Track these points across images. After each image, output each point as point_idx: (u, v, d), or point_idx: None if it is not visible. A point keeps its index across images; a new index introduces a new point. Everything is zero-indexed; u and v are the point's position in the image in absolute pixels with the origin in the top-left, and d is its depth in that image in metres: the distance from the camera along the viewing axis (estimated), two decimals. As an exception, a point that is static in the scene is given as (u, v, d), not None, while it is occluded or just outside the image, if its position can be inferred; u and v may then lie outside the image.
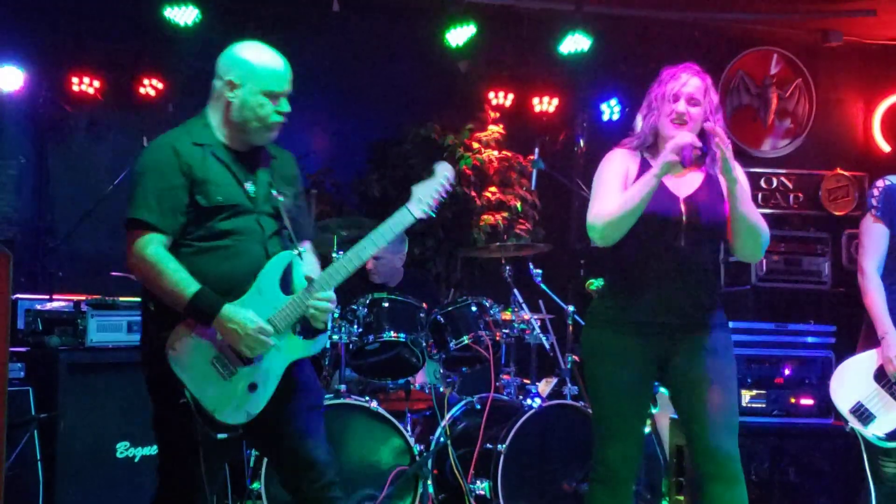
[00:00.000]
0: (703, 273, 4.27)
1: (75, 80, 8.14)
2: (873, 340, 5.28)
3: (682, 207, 4.19)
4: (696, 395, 4.23)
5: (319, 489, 4.03)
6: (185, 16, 7.62)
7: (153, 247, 3.82)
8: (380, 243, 4.10)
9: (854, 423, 5.32)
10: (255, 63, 3.98)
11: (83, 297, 5.74)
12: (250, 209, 3.99)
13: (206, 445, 3.85)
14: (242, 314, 3.80)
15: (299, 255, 4.09)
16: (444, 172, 4.26)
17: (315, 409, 4.13)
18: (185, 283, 3.78)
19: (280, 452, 4.13)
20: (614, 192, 4.19)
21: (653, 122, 4.27)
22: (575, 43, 8.36)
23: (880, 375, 5.30)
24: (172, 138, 3.97)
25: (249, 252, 3.96)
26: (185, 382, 3.78)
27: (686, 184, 4.26)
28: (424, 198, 4.19)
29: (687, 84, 4.20)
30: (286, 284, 4.00)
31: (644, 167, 4.24)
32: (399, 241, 6.97)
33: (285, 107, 4.04)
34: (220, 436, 3.84)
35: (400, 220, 4.12)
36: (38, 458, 4.82)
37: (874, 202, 5.39)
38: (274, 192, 4.06)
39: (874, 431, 5.25)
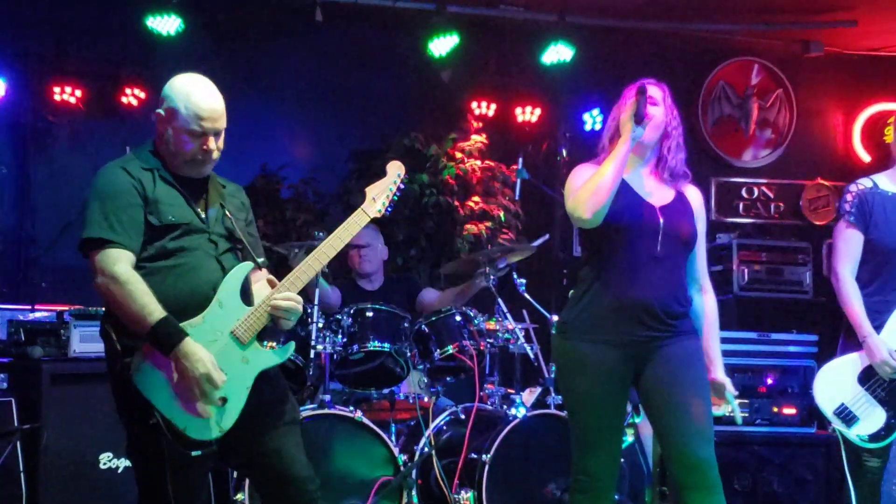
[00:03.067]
0: (679, 280, 4.32)
1: (57, 89, 8.11)
2: (854, 343, 5.30)
3: (660, 216, 4.24)
4: (671, 402, 4.24)
5: (304, 497, 4.04)
6: (167, 25, 7.59)
7: (123, 264, 3.79)
8: (338, 246, 4.14)
9: (838, 425, 5.35)
10: (182, 102, 3.95)
11: (66, 308, 5.72)
12: (202, 228, 4.01)
13: (183, 461, 3.83)
14: (197, 356, 3.76)
15: (258, 266, 4.11)
16: (396, 171, 4.37)
17: (290, 423, 4.11)
18: (150, 307, 3.74)
19: (258, 470, 4.15)
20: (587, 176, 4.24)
21: (612, 133, 4.34)
22: (557, 53, 8.40)
23: (864, 378, 5.32)
24: (122, 163, 4.00)
25: (203, 267, 3.96)
26: (153, 403, 3.76)
27: (661, 196, 4.32)
28: (379, 197, 4.29)
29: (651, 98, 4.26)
30: (247, 295, 4.01)
31: None
32: (373, 230, 6.99)
33: (213, 145, 3.99)
34: (195, 453, 3.81)
35: (356, 221, 4.19)
36: (21, 469, 4.80)
37: (847, 207, 5.42)
38: (227, 214, 4.08)
39: (858, 433, 5.30)
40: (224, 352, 3.87)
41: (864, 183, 5.46)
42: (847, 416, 5.31)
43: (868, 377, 5.33)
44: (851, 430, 5.32)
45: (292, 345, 4.10)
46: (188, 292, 3.89)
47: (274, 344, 4.08)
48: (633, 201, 4.27)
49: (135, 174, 3.93)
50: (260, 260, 4.18)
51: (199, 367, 3.73)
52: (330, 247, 4.12)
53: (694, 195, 4.45)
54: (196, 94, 3.95)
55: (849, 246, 5.43)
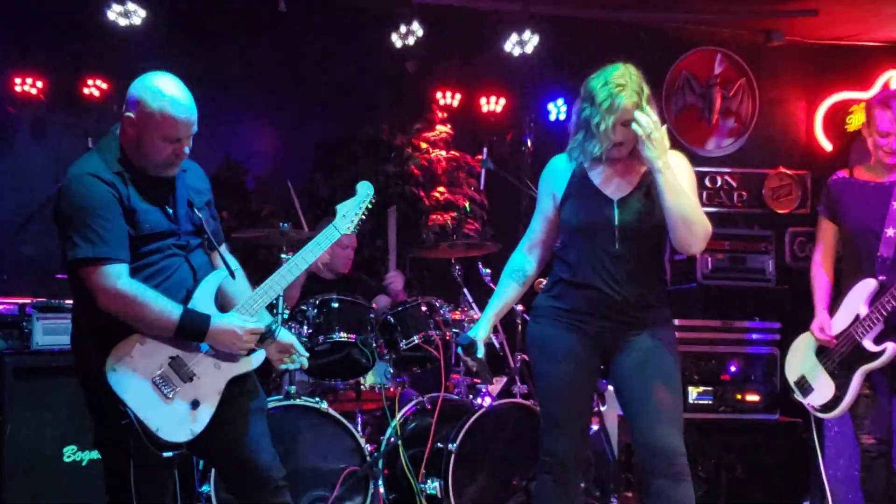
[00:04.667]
0: (642, 273, 4.32)
1: (18, 80, 8.07)
2: None
3: (616, 212, 4.26)
4: (639, 392, 4.29)
5: (265, 493, 4.08)
6: (130, 14, 7.54)
7: (123, 279, 3.81)
8: (309, 259, 4.23)
9: (797, 394, 5.66)
10: (156, 107, 3.87)
11: (28, 300, 5.70)
12: (173, 231, 4.02)
13: (153, 460, 3.85)
14: (230, 322, 3.91)
15: (231, 274, 4.18)
16: (366, 191, 4.43)
17: (256, 412, 4.14)
18: (167, 308, 3.82)
19: (223, 460, 4.17)
20: None
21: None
22: (521, 43, 8.41)
23: (819, 352, 5.56)
24: (91, 168, 3.89)
25: (173, 267, 4.00)
26: (126, 403, 3.77)
27: (621, 185, 4.33)
28: (349, 215, 4.38)
29: (621, 110, 4.21)
30: (225, 301, 4.11)
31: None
32: (348, 237, 7.00)
33: (186, 149, 3.99)
34: (166, 454, 3.84)
35: (327, 237, 4.27)
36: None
37: (821, 198, 5.69)
38: (194, 211, 4.10)
39: (811, 402, 5.54)
40: (198, 358, 3.93)
41: (840, 175, 5.61)
42: (804, 385, 5.61)
43: (822, 351, 5.52)
44: (806, 400, 5.62)
45: (262, 353, 4.13)
46: (161, 292, 3.89)
47: None
48: (592, 200, 4.33)
49: (108, 179, 3.86)
50: (220, 247, 4.25)
51: (237, 331, 3.90)
52: (302, 260, 4.20)
53: (674, 162, 4.33)
54: (172, 101, 3.89)
55: (820, 235, 5.70)
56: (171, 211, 4.02)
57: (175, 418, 3.85)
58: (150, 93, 3.89)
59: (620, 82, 4.22)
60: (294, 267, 4.17)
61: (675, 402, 4.30)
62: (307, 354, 4.31)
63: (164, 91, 3.90)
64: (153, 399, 3.82)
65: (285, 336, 4.23)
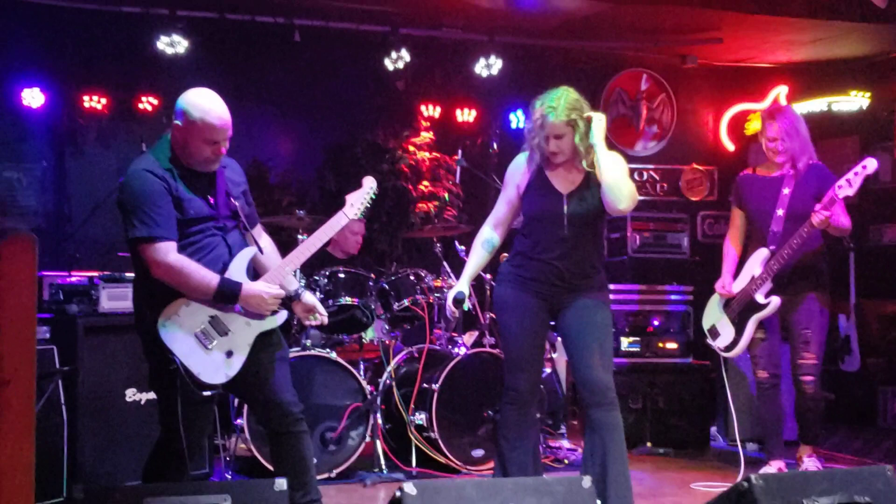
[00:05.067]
0: (584, 251, 4.35)
1: (86, 98, 8.01)
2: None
3: (565, 204, 4.27)
4: (579, 341, 4.33)
5: (287, 424, 4.07)
6: (175, 45, 7.56)
7: (172, 255, 3.81)
8: (323, 239, 4.19)
9: (708, 339, 5.76)
10: (198, 116, 3.87)
11: (96, 273, 5.68)
12: (214, 216, 4.00)
13: (195, 397, 3.87)
14: (257, 287, 3.91)
15: (260, 249, 4.17)
16: (370, 184, 4.40)
17: (280, 360, 4.13)
18: (208, 277, 3.83)
19: (255, 397, 4.16)
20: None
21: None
22: (488, 66, 8.41)
23: (725, 305, 5.67)
24: (147, 165, 3.90)
25: (213, 245, 3.98)
26: (174, 352, 3.80)
27: (570, 182, 4.33)
28: (356, 204, 4.32)
29: (549, 126, 4.23)
30: (251, 273, 4.08)
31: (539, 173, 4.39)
32: (358, 223, 6.98)
33: (223, 149, 3.98)
34: (206, 393, 3.87)
35: (337, 222, 4.24)
36: (63, 402, 4.77)
37: (732, 192, 5.89)
38: (231, 200, 4.07)
39: (718, 345, 5.65)
40: (232, 317, 3.93)
41: (745, 173, 5.76)
42: (714, 332, 5.75)
43: (727, 305, 5.62)
44: (715, 343, 5.75)
45: (285, 313, 4.13)
46: (203, 264, 3.90)
47: None
48: (546, 195, 4.34)
49: (159, 174, 3.87)
50: (256, 228, 4.26)
51: (263, 296, 3.90)
52: (318, 239, 4.17)
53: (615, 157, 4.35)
54: (212, 111, 3.89)
55: (731, 219, 5.86)
56: (211, 200, 4.00)
57: (213, 365, 3.86)
58: (193, 105, 3.89)
59: (552, 105, 4.24)
60: (311, 245, 4.15)
61: (607, 348, 4.34)
62: (326, 313, 4.32)
63: (204, 104, 3.90)
64: (196, 349, 3.83)
65: (309, 298, 4.24)
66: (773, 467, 5.57)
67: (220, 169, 4.07)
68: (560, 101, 4.24)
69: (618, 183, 4.19)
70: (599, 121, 4.28)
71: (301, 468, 4.06)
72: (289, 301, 4.18)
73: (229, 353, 3.91)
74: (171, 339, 3.82)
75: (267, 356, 4.06)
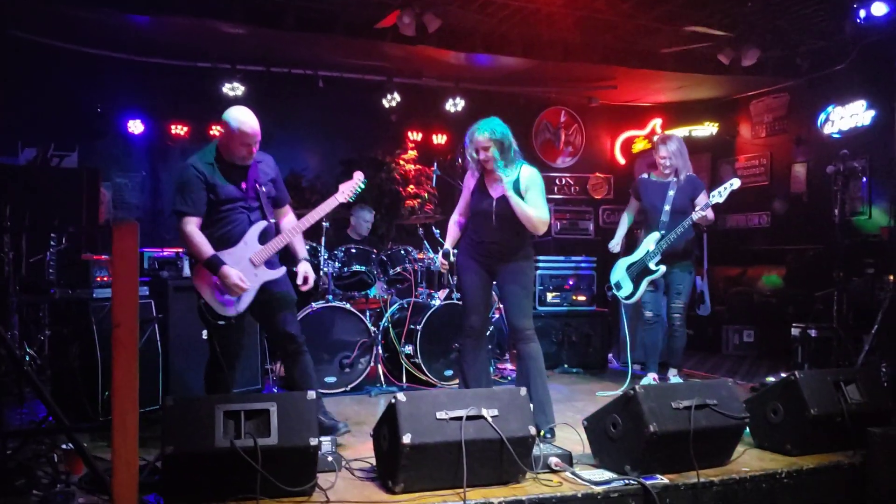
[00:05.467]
0: (508, 236, 4.23)
1: (173, 126, 7.99)
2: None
3: (494, 205, 4.20)
4: (505, 296, 4.28)
5: (293, 349, 4.03)
6: (235, 89, 7.51)
7: (190, 226, 3.81)
8: (320, 215, 4.09)
9: (614, 291, 5.73)
10: (235, 126, 3.83)
11: (181, 250, 5.62)
12: (241, 198, 3.93)
13: (216, 325, 3.88)
14: (229, 275, 3.79)
15: (275, 225, 4.08)
16: (359, 177, 4.23)
17: (289, 303, 4.06)
18: (205, 249, 3.80)
19: (268, 328, 4.16)
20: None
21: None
22: (455, 104, 8.37)
23: (627, 267, 5.65)
24: (194, 161, 3.90)
25: (239, 221, 3.93)
26: (200, 293, 3.86)
27: (496, 189, 4.23)
28: (346, 191, 4.16)
29: (476, 141, 4.18)
30: (263, 239, 3.98)
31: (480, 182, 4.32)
32: (367, 211, 6.94)
33: (254, 150, 3.91)
34: (220, 322, 3.86)
35: (330, 203, 4.09)
36: (158, 340, 4.72)
37: (632, 187, 5.80)
38: (258, 186, 3.99)
39: (621, 295, 5.66)
40: (245, 269, 3.88)
41: (643, 176, 5.73)
42: (619, 286, 5.67)
43: (629, 267, 5.60)
44: (619, 294, 5.66)
45: (283, 267, 4.05)
46: (230, 235, 3.90)
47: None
48: (483, 197, 4.27)
49: (200, 168, 3.85)
50: (285, 206, 4.17)
51: (231, 280, 3.79)
52: (316, 214, 4.07)
53: (523, 174, 4.24)
54: (246, 122, 3.85)
55: (629, 205, 5.79)
56: (243, 186, 3.94)
57: (227, 304, 3.86)
58: (233, 118, 3.86)
59: (479, 126, 4.19)
60: (310, 218, 4.06)
61: (525, 301, 4.25)
62: (312, 283, 4.13)
63: (240, 116, 3.86)
64: (217, 293, 3.85)
65: (301, 268, 4.11)
66: (650, 378, 5.60)
67: (255, 163, 4.00)
68: (485, 124, 4.20)
69: (530, 222, 4.12)
70: (509, 179, 4.16)
71: (305, 379, 4.01)
72: (294, 262, 4.09)
73: (239, 297, 3.87)
74: (197, 284, 3.87)
75: (277, 300, 4.00)
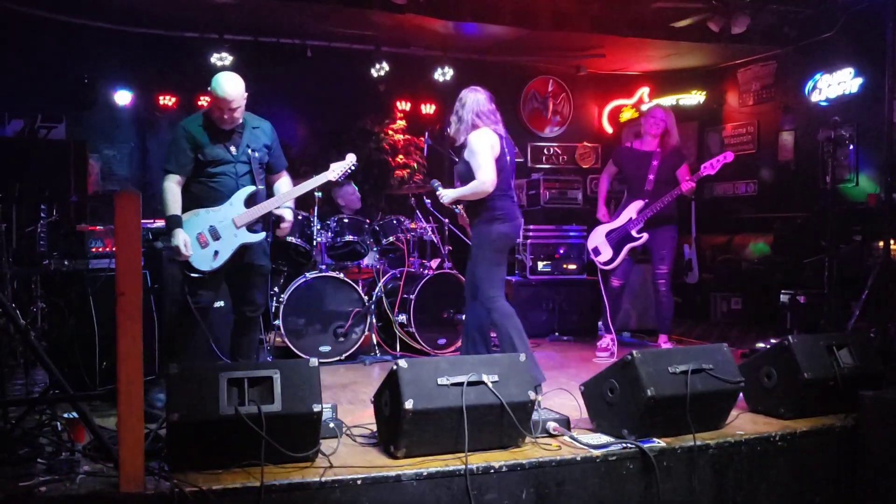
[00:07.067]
0: (479, 206, 4.36)
1: (161, 97, 7.87)
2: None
3: (455, 170, 4.44)
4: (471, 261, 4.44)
5: (250, 315, 4.18)
6: (223, 59, 7.41)
7: (168, 182, 3.97)
8: (307, 188, 4.24)
9: (592, 256, 5.80)
10: (216, 90, 3.96)
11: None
12: (230, 160, 4.03)
13: (191, 276, 3.98)
14: (178, 237, 3.90)
15: (267, 190, 4.18)
16: (351, 159, 4.39)
17: (259, 274, 4.18)
18: (171, 207, 3.95)
19: (237, 291, 4.21)
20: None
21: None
22: (443, 74, 8.30)
23: (607, 234, 5.71)
24: (186, 122, 4.06)
25: (227, 183, 4.04)
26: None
27: (460, 156, 4.47)
28: (336, 170, 4.32)
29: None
30: (249, 203, 4.07)
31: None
32: (349, 185, 6.90)
33: (235, 114, 3.99)
34: (194, 275, 3.98)
35: (320, 178, 4.28)
36: (154, 308, 4.68)
37: (612, 154, 5.97)
38: (250, 151, 4.06)
39: (599, 261, 5.71)
40: (226, 228, 4.01)
41: (626, 144, 5.76)
42: (598, 251, 5.73)
43: (608, 234, 5.66)
44: (597, 259, 5.72)
45: (263, 232, 4.14)
46: (217, 195, 4.02)
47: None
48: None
49: (189, 129, 3.99)
50: (282, 170, 4.26)
51: (176, 240, 3.91)
52: (301, 187, 4.21)
53: (474, 137, 4.40)
54: (221, 87, 3.96)
55: (606, 168, 6.01)
56: (232, 149, 4.03)
57: (204, 258, 3.98)
58: (215, 83, 3.98)
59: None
60: (295, 191, 4.18)
61: (486, 266, 4.34)
62: (288, 227, 4.23)
63: (222, 83, 3.97)
64: (196, 246, 3.96)
65: (287, 215, 4.20)
66: (606, 339, 5.69)
67: (251, 128, 4.09)
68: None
69: (469, 198, 4.34)
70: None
71: (250, 347, 4.19)
72: (277, 223, 4.17)
73: (216, 253, 3.99)
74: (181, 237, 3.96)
75: (248, 269, 4.12)
